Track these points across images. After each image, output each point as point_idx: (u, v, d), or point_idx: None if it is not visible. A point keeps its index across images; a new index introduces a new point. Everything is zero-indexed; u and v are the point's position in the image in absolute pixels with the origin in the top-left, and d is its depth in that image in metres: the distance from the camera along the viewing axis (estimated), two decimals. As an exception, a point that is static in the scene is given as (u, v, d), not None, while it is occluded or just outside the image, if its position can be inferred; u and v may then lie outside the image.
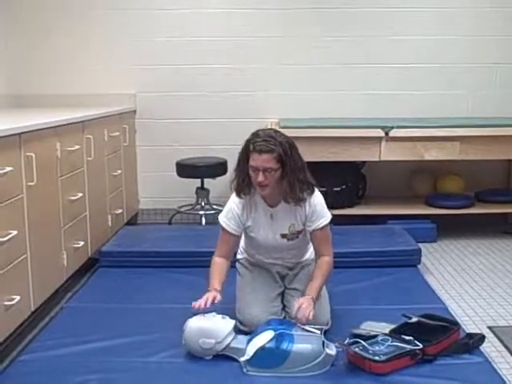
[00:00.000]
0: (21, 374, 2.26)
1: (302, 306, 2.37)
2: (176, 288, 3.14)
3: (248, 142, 2.48)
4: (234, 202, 2.61)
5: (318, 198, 2.58)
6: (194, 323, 2.34)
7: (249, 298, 2.60)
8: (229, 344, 2.32)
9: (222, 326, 2.34)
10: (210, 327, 2.32)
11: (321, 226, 2.56)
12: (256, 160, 2.43)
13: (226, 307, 2.52)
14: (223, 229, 2.61)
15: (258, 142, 2.42)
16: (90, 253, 3.62)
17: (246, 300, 2.61)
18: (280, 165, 2.44)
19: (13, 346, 2.65)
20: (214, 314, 2.39)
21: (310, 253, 2.73)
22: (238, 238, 2.66)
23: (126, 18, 4.68)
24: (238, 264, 2.80)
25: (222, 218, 2.61)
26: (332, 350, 2.28)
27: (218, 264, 2.58)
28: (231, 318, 2.43)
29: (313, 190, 2.57)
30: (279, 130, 2.70)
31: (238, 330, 2.45)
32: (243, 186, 2.55)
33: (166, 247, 3.63)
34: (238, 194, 2.58)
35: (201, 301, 2.37)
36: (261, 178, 2.43)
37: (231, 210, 2.60)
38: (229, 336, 2.32)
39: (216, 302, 2.40)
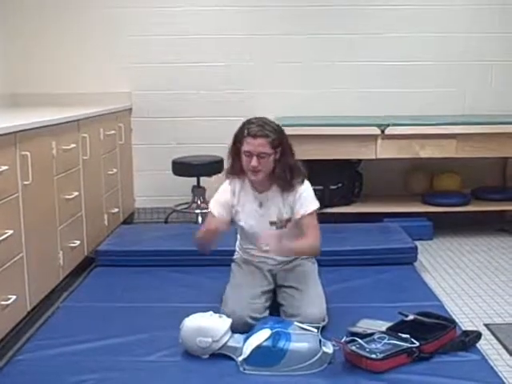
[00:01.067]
0: (17, 374, 2.25)
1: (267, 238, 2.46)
2: (173, 287, 3.13)
3: (242, 127, 2.53)
4: (224, 189, 2.67)
5: (307, 187, 2.63)
6: (191, 322, 2.34)
7: (231, 294, 2.61)
8: (226, 343, 2.31)
9: (219, 325, 2.34)
10: (206, 326, 2.32)
11: (308, 211, 2.59)
12: (250, 144, 2.47)
13: (214, 306, 2.53)
14: (212, 214, 2.65)
15: (253, 127, 2.48)
16: (87, 252, 3.61)
17: (228, 295, 2.61)
18: (273, 150, 2.49)
19: (9, 346, 2.65)
20: (210, 312, 2.39)
21: None
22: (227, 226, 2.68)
23: (121, 16, 4.68)
24: (232, 264, 2.81)
25: (213, 203, 2.66)
26: (329, 348, 2.28)
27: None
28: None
29: (303, 179, 2.62)
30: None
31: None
32: (235, 170, 2.61)
33: (163, 246, 3.62)
34: (230, 177, 2.64)
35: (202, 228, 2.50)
36: (254, 162, 2.47)
37: (221, 197, 2.65)
38: (226, 335, 2.32)
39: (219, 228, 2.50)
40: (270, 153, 2.49)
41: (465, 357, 2.32)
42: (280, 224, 2.62)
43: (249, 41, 4.72)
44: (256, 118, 2.56)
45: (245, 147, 2.50)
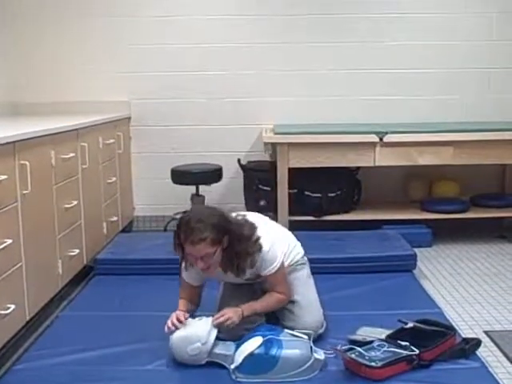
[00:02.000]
0: (16, 383, 2.25)
1: (225, 314, 2.38)
2: (172, 295, 3.10)
3: (178, 230, 2.35)
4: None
5: (263, 252, 2.42)
6: (176, 335, 2.36)
7: (221, 303, 2.59)
8: (215, 341, 2.33)
9: (201, 327, 2.36)
10: (190, 333, 2.34)
11: (272, 271, 2.46)
12: (191, 250, 2.33)
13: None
14: (184, 281, 2.58)
15: (188, 232, 2.30)
16: (86, 261, 3.61)
17: (219, 305, 2.60)
18: (217, 246, 2.33)
19: (8, 356, 2.64)
20: (189, 319, 2.42)
21: (293, 257, 2.62)
22: (200, 288, 2.60)
23: (120, 24, 4.69)
24: None
25: (184, 273, 2.55)
26: (320, 354, 2.29)
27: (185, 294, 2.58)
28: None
29: (259, 247, 2.41)
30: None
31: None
32: (189, 266, 2.48)
33: (162, 254, 3.60)
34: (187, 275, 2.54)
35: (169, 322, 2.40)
36: (201, 265, 2.35)
37: (190, 273, 2.54)
38: (211, 333, 2.33)
39: (184, 318, 2.41)
40: (213, 250, 2.33)
41: (465, 364, 2.32)
42: (252, 281, 2.55)
43: (248, 49, 4.73)
44: (190, 215, 2.36)
45: (187, 251, 2.35)
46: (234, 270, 2.43)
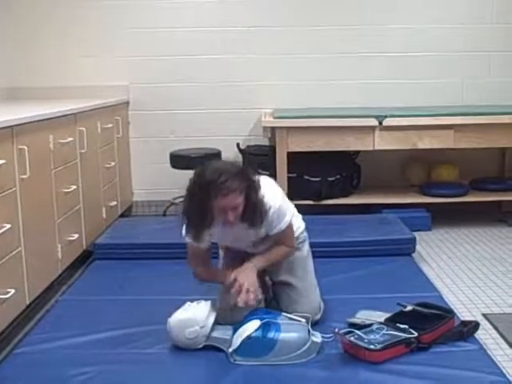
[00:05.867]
0: (17, 367, 2.26)
1: (239, 282, 2.33)
2: (171, 279, 3.14)
3: (206, 188, 2.25)
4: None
5: (273, 203, 2.39)
6: (174, 319, 2.36)
7: (223, 291, 2.53)
8: (214, 325, 2.33)
9: (200, 311, 2.36)
10: (189, 316, 2.33)
11: (282, 227, 2.44)
12: (222, 203, 2.24)
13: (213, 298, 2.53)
14: (191, 244, 2.46)
15: (219, 185, 2.22)
16: (85, 245, 3.61)
17: (221, 291, 2.56)
18: (243, 195, 2.29)
19: (8, 340, 2.65)
20: (188, 303, 2.42)
21: (295, 229, 2.58)
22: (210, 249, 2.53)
23: (118, 8, 4.66)
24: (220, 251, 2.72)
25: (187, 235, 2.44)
26: (318, 337, 2.30)
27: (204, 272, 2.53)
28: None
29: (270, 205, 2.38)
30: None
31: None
32: (202, 232, 2.38)
33: (161, 239, 3.62)
34: (197, 242, 2.42)
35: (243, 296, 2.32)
36: (231, 217, 2.28)
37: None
38: (209, 317, 2.34)
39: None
40: (241, 200, 2.28)
41: (463, 347, 2.33)
42: (257, 242, 2.51)
43: (247, 33, 4.70)
44: (214, 171, 2.27)
45: (217, 206, 2.25)
46: (255, 220, 2.35)
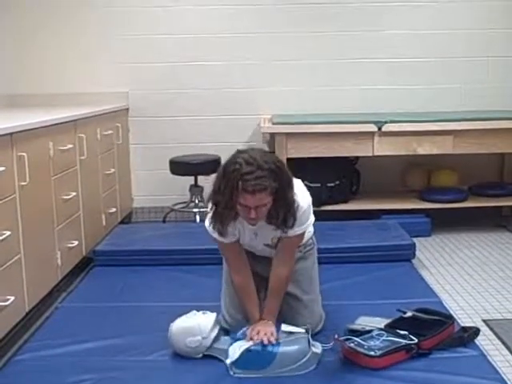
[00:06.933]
0: (16, 374, 2.26)
1: (260, 332, 2.27)
2: (171, 286, 3.14)
3: (235, 179, 2.12)
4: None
5: (301, 205, 2.31)
6: (177, 325, 2.35)
7: (226, 296, 2.55)
8: (215, 337, 2.32)
9: (205, 321, 2.34)
10: (193, 325, 2.32)
11: (299, 232, 2.36)
12: (248, 200, 2.13)
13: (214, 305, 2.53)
14: (220, 241, 2.38)
15: (249, 181, 2.09)
16: (85, 252, 3.61)
17: (223, 296, 2.57)
18: (272, 195, 2.18)
19: (8, 347, 2.65)
20: (194, 312, 2.40)
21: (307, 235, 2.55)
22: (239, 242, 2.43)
23: (117, 15, 4.67)
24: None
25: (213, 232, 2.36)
26: (318, 348, 2.28)
27: (242, 288, 2.42)
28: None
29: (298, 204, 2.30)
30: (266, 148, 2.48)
31: (222, 328, 2.44)
32: (226, 224, 2.29)
33: (161, 245, 3.62)
34: (220, 235, 2.34)
35: (260, 337, 2.26)
36: (253, 215, 2.17)
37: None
38: (213, 329, 2.33)
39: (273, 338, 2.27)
40: (269, 200, 2.18)
41: (463, 353, 2.32)
42: (273, 244, 2.45)
43: (247, 39, 4.71)
44: (248, 163, 2.13)
45: (241, 201, 2.15)
46: (280, 220, 2.24)
